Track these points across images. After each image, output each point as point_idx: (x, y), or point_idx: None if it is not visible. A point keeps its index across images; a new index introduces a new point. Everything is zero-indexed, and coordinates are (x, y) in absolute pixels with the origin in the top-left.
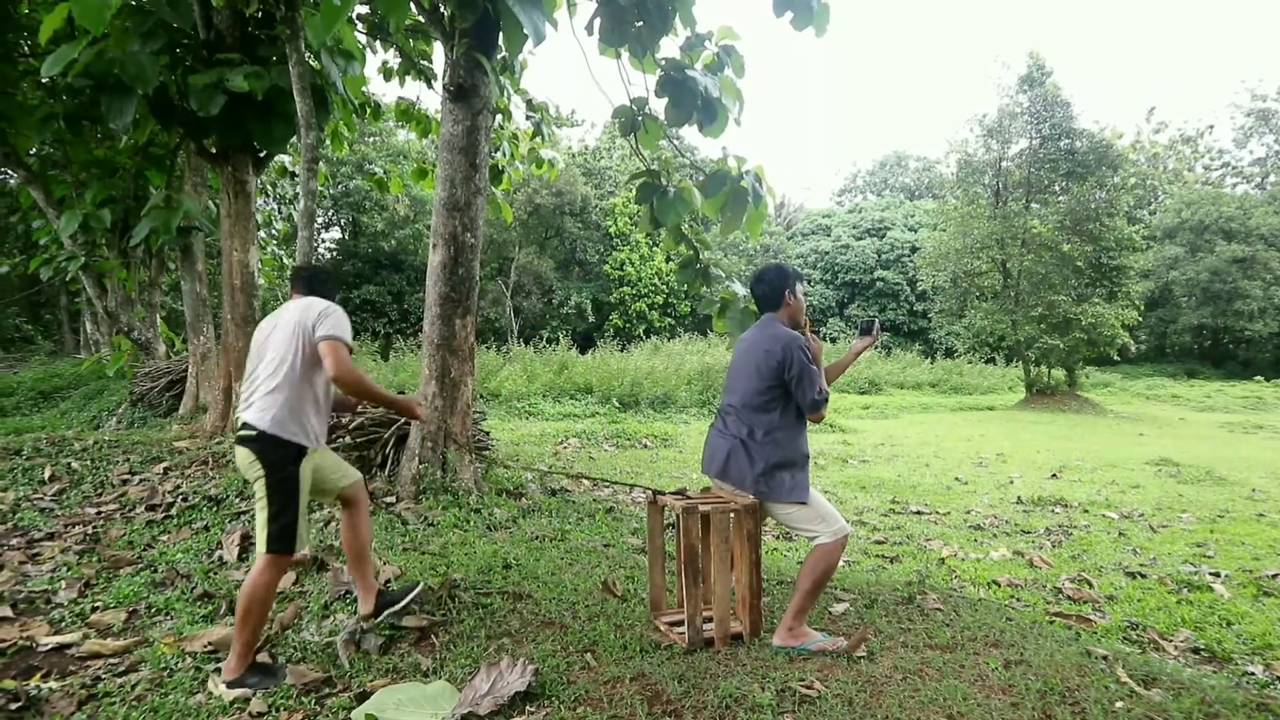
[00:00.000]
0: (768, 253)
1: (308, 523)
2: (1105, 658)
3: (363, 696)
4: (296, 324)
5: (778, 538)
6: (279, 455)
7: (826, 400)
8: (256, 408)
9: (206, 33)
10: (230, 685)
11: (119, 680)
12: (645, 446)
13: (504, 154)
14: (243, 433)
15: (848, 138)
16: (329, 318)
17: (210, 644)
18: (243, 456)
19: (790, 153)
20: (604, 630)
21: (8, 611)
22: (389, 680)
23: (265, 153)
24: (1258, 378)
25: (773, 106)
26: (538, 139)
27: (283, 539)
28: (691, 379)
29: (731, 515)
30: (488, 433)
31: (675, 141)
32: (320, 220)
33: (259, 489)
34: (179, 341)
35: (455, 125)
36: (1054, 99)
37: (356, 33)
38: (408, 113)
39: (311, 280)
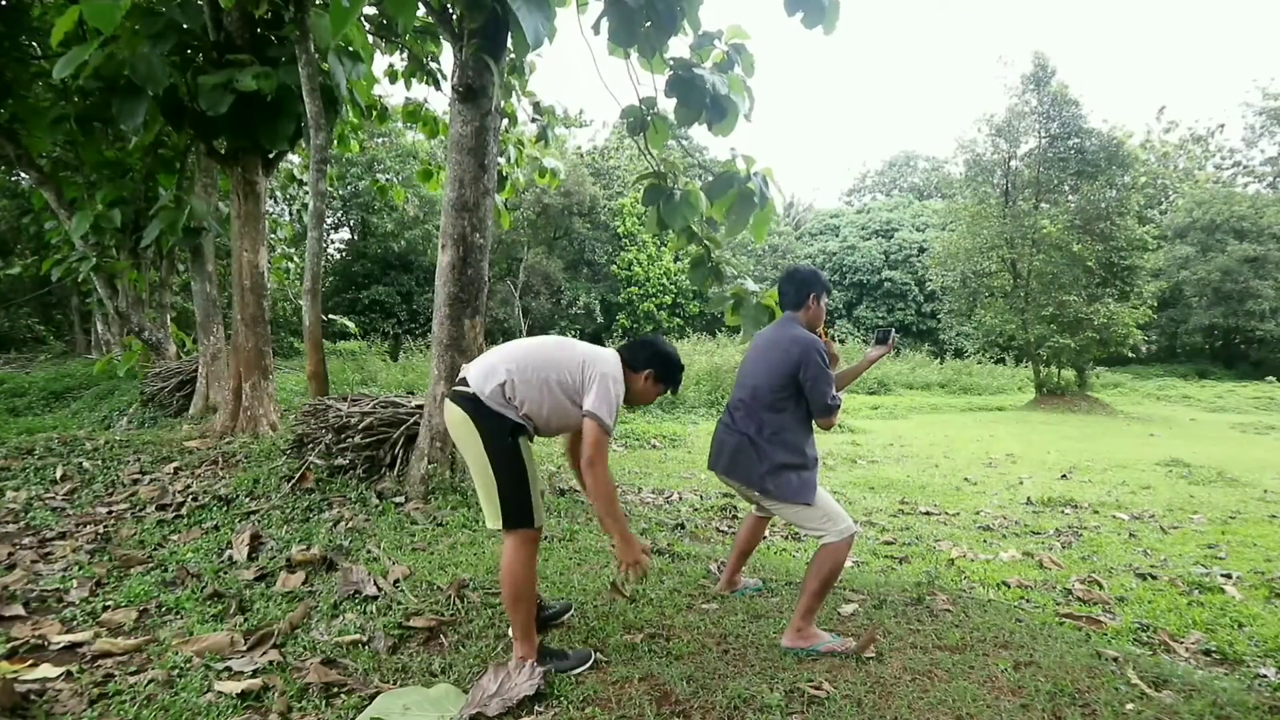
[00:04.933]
0: (776, 252)
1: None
2: (1116, 659)
3: (373, 696)
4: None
5: (785, 538)
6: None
7: (839, 406)
8: None
9: (216, 34)
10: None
11: (130, 679)
12: (654, 447)
13: (508, 159)
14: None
15: (857, 137)
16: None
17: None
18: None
19: (799, 152)
20: (612, 630)
21: (20, 610)
22: (399, 679)
23: (274, 153)
24: (1269, 378)
25: (782, 106)
26: (541, 142)
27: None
28: (700, 379)
29: None
30: None
31: (684, 142)
32: (330, 221)
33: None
34: (189, 342)
35: (464, 126)
36: (1062, 98)
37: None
38: (415, 114)
39: None
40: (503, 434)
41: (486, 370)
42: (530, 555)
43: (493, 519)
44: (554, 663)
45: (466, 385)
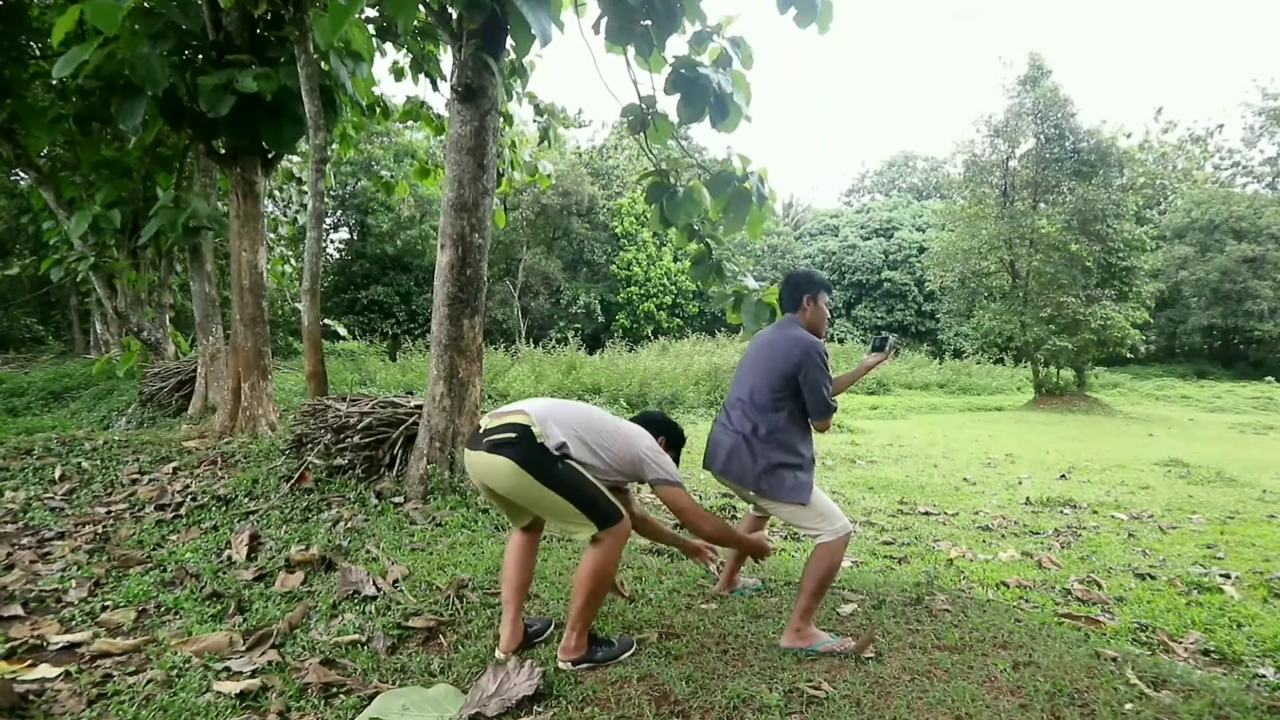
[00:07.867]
0: (775, 252)
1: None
2: (1114, 659)
3: (371, 697)
4: None
5: (785, 538)
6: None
7: (835, 409)
8: None
9: (215, 34)
10: (575, 663)
11: (129, 679)
12: None
13: (504, 159)
14: None
15: (856, 137)
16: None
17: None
18: None
19: (798, 152)
20: (611, 630)
21: (19, 610)
22: (398, 679)
23: (274, 154)
24: (1268, 378)
25: (781, 106)
26: (543, 144)
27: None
28: (700, 379)
29: None
30: None
31: (683, 142)
32: (328, 221)
33: None
34: (187, 345)
35: (463, 126)
36: (1053, 99)
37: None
38: (414, 113)
39: None
40: (553, 461)
41: (545, 423)
42: (620, 551)
43: (584, 530)
44: (603, 650)
45: (499, 433)
